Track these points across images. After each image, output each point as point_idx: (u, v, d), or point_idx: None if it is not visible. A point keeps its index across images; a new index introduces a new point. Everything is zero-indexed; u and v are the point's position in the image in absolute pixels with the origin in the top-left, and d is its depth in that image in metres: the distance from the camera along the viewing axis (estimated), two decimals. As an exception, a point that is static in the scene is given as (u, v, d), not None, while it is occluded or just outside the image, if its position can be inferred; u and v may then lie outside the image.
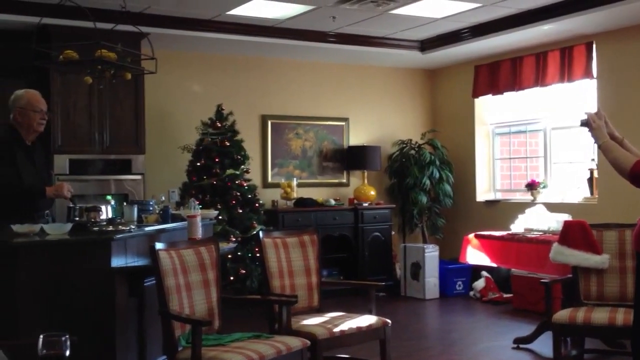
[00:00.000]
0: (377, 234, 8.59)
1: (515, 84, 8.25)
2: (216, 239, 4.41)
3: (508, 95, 8.52)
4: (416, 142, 9.09)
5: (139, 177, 7.17)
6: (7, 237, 3.97)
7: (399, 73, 9.41)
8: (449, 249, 8.87)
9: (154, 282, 3.87)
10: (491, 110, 9.03)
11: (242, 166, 7.45)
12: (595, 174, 7.49)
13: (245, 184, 7.40)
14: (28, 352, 2.27)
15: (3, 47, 6.70)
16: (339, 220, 8.38)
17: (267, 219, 7.68)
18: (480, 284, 8.07)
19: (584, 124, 3.56)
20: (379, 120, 9.26)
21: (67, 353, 1.95)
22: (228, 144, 7.37)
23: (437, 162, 8.90)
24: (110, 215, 4.76)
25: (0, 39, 6.70)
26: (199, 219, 4.51)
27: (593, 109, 4.62)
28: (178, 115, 7.93)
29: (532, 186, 8.23)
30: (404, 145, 9.09)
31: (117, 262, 4.07)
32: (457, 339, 6.35)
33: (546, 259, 5.58)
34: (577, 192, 7.86)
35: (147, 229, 4.51)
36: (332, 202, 8.45)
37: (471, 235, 7.21)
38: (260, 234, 4.72)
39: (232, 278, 7.06)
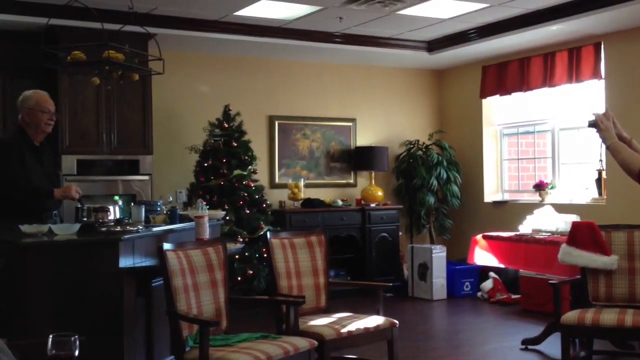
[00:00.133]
0: (385, 234, 8.58)
1: (523, 85, 8.23)
2: (224, 240, 4.40)
3: (516, 95, 8.50)
4: (423, 143, 9.08)
5: (146, 177, 7.18)
6: (16, 237, 3.98)
7: (406, 73, 9.39)
8: (457, 250, 8.85)
9: (162, 282, 3.87)
10: (499, 111, 9.01)
11: (250, 167, 7.46)
12: (604, 175, 7.46)
13: (252, 185, 7.41)
14: (37, 352, 2.28)
15: (11, 48, 6.74)
16: (346, 220, 8.38)
17: (275, 219, 7.68)
18: (488, 284, 8.05)
19: (592, 124, 3.55)
20: (386, 120, 9.25)
21: (76, 353, 1.95)
22: (235, 144, 7.38)
23: (445, 163, 8.89)
24: (118, 216, 4.78)
25: (9, 40, 6.73)
26: (206, 219, 4.51)
27: (601, 109, 4.61)
28: (185, 115, 7.94)
29: (540, 187, 8.20)
30: (412, 145, 9.08)
31: (124, 262, 4.08)
32: (465, 339, 6.33)
33: (554, 259, 5.55)
34: (586, 192, 7.82)
35: (154, 229, 4.51)
36: (340, 202, 8.44)
37: (479, 236, 7.18)
38: (268, 234, 4.72)
39: (239, 278, 7.07)
